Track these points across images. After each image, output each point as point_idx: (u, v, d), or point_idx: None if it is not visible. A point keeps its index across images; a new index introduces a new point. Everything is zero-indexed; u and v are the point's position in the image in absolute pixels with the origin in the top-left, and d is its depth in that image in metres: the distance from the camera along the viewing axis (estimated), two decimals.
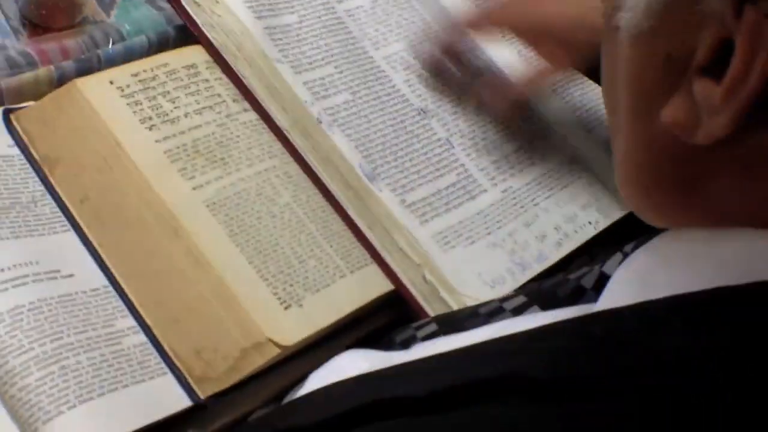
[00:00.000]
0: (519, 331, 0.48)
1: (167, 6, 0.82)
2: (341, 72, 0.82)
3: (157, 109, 0.72)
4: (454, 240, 0.75)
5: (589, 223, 0.82)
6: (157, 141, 0.70)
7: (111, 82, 0.72)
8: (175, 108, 0.73)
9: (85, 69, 0.76)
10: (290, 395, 0.66)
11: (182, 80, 0.75)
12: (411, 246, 0.73)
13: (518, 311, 0.63)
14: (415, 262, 0.73)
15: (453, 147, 0.81)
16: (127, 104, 0.71)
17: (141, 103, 0.72)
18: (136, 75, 0.73)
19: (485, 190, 0.80)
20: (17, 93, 0.73)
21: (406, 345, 0.65)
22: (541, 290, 0.65)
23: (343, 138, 0.77)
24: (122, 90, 0.72)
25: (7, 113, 0.71)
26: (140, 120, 0.71)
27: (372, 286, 0.73)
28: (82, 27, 0.82)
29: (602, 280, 0.60)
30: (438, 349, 0.49)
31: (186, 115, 0.73)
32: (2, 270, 0.63)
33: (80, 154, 0.69)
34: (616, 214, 0.83)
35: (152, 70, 0.74)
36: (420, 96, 0.84)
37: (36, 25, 0.82)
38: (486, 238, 0.77)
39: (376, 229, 0.74)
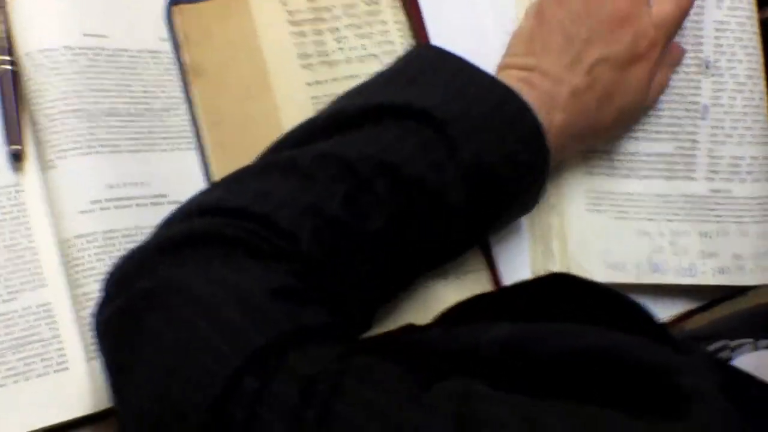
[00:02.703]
0: None
1: None
2: None
3: (320, 46, 0.67)
4: (606, 206, 0.68)
5: None
6: (308, 83, 0.66)
7: (283, 3, 0.67)
8: (339, 49, 0.68)
9: None
10: None
11: (358, 18, 0.69)
12: (556, 187, 0.67)
13: None
14: (551, 203, 0.67)
15: (704, 118, 0.69)
16: (291, 32, 0.67)
17: (305, 36, 0.67)
18: (312, 1, 0.68)
19: (692, 179, 0.68)
20: None
21: None
22: None
23: None
24: (291, 15, 0.67)
25: (171, 4, 0.67)
26: (298, 54, 0.67)
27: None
28: None
29: None
30: None
31: (347, 60, 0.68)
32: (110, 187, 0.62)
33: (227, 73, 0.66)
34: None
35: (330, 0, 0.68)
36: (720, 47, 0.69)
37: None
38: (642, 222, 0.68)
39: None
